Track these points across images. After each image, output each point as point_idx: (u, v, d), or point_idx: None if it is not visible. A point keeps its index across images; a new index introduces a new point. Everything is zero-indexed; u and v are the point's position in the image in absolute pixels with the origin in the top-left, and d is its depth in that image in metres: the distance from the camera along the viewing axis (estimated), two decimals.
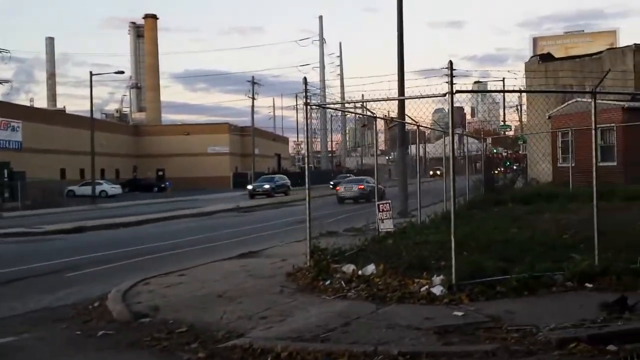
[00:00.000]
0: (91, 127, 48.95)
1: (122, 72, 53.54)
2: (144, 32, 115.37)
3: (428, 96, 8.78)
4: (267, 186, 49.40)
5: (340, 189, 34.50)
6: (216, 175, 76.96)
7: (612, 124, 25.55)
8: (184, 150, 78.81)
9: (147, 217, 29.51)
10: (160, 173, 78.55)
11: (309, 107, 10.31)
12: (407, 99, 9.54)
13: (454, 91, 8.49)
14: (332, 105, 14.64)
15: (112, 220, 27.36)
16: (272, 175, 56.32)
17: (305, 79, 10.13)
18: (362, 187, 32.37)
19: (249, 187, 51.26)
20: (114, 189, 60.33)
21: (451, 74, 8.39)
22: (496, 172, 32.12)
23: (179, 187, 69.69)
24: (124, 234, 22.94)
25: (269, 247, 15.15)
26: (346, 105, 20.97)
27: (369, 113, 12.88)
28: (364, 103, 11.96)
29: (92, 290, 10.65)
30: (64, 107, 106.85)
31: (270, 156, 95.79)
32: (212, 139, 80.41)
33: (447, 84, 8.55)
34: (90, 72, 47.96)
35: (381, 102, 11.57)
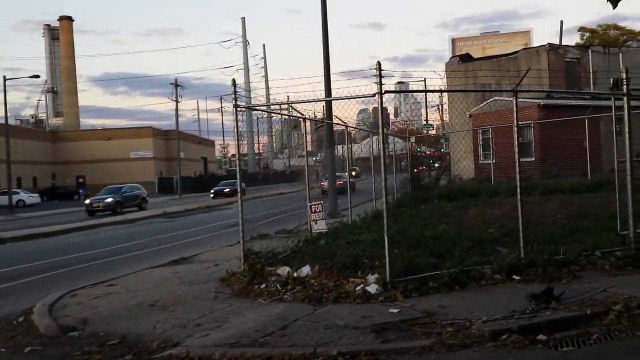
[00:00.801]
0: (6, 134, 46.80)
1: (38, 77, 51.60)
2: (59, 35, 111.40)
3: (357, 97, 8.86)
4: (109, 200, 37.60)
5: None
6: (140, 180, 74.68)
7: (530, 121, 26.61)
8: (106, 156, 76.65)
9: (69, 226, 28.47)
10: (81, 180, 76.08)
11: (237, 109, 10.18)
12: (337, 99, 9.60)
13: (383, 91, 8.60)
14: (260, 107, 14.50)
15: (32, 231, 26.27)
16: (120, 185, 42.93)
17: (234, 80, 10.01)
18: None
19: (87, 201, 39.39)
20: (32, 197, 57.94)
21: (380, 74, 8.50)
22: (421, 170, 32.79)
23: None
24: (46, 244, 22.03)
25: (201, 253, 14.90)
26: (274, 106, 20.95)
27: (297, 114, 12.85)
28: (292, 104, 11.92)
29: (15, 305, 10.15)
30: None
31: (197, 160, 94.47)
32: (135, 143, 78.57)
33: (374, 84, 8.65)
34: (4, 77, 46.07)
35: (308, 103, 11.62)
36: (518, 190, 9.73)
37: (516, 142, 9.80)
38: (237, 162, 10.58)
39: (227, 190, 51.88)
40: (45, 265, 15.33)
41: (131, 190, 40.97)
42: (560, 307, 7.38)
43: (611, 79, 10.33)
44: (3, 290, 12.12)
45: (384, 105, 8.87)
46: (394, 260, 8.82)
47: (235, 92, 9.89)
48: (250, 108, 12.72)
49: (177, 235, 21.88)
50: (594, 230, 11.40)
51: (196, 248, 16.35)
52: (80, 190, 64.11)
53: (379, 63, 8.48)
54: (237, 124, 10.14)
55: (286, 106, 16.99)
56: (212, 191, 53.93)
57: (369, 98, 9.09)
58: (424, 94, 49.84)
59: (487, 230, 12.77)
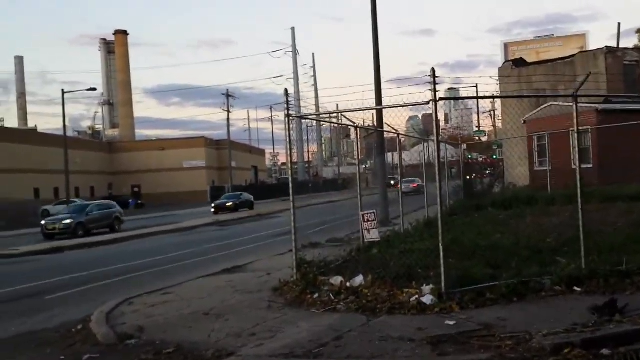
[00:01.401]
0: (64, 145, 48.33)
1: (95, 89, 53.01)
2: (115, 49, 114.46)
3: (410, 104, 8.75)
4: (68, 221, 30.51)
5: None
6: (193, 189, 76.47)
7: (587, 127, 25.85)
8: (160, 166, 78.24)
9: (125, 234, 29.13)
10: (136, 189, 77.85)
11: (289, 118, 10.20)
12: (389, 107, 9.51)
13: (437, 98, 8.47)
14: (311, 116, 14.51)
15: (90, 239, 26.94)
16: (86, 203, 37.21)
17: (286, 90, 10.05)
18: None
19: (43, 222, 32.49)
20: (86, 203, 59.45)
21: (434, 81, 8.37)
22: (474, 177, 32.28)
23: (155, 202, 69.17)
24: (103, 252, 22.59)
25: (253, 261, 14.97)
26: (324, 115, 21.08)
27: (349, 122, 12.80)
28: (343, 113, 11.87)
29: (74, 313, 10.38)
30: (36, 126, 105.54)
31: (247, 169, 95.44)
32: (188, 153, 79.96)
33: (429, 91, 8.54)
34: (62, 90, 47.56)
35: (356, 111, 11.58)
36: (579, 197, 9.42)
37: (577, 148, 9.49)
38: (290, 170, 10.59)
39: (230, 204, 46.11)
40: (101, 274, 15.67)
41: (100, 208, 34.09)
42: (625, 319, 7.07)
43: None
44: (61, 298, 12.43)
45: (432, 113, 8.74)
46: (449, 271, 8.64)
47: (287, 102, 9.92)
48: (303, 117, 12.75)
49: (229, 243, 22.08)
50: None
51: (248, 257, 16.44)
52: (131, 201, 62.77)
53: (433, 70, 8.35)
54: (289, 133, 10.16)
55: (336, 115, 16.94)
56: (212, 205, 46.96)
57: (418, 104, 8.98)
58: (475, 99, 49.07)
59: (545, 239, 12.40)
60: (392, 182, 53.44)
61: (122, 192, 75.93)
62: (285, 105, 9.99)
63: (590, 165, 27.10)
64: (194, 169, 79.53)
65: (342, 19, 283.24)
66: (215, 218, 38.55)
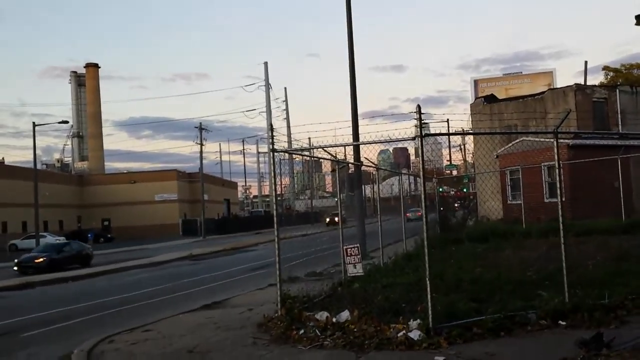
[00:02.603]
0: (34, 179, 47.50)
1: (67, 122, 52.45)
2: (86, 81, 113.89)
3: (396, 140, 8.85)
4: (41, 259, 29.67)
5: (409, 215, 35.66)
6: (165, 222, 75.60)
7: (565, 162, 26.30)
8: (131, 199, 77.33)
9: (96, 269, 28.57)
10: (106, 223, 76.71)
11: (274, 153, 10.20)
12: (374, 143, 9.57)
13: (423, 134, 8.57)
14: (297, 151, 14.53)
15: (61, 274, 26.35)
16: (60, 242, 36.24)
17: (271, 125, 10.07)
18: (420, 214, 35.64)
19: (16, 260, 31.04)
20: (58, 241, 58.32)
21: (420, 117, 8.48)
22: (449, 210, 32.55)
23: (126, 236, 68.17)
24: (75, 288, 22.09)
25: (232, 297, 14.80)
26: (306, 149, 21.09)
27: (331, 157, 12.86)
28: (326, 148, 11.92)
29: (52, 351, 10.10)
30: (2, 158, 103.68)
31: (219, 201, 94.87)
32: (160, 186, 79.27)
33: (415, 127, 8.67)
34: (34, 123, 46.85)
35: (338, 146, 11.67)
36: (561, 231, 9.55)
37: (559, 184, 9.68)
38: (274, 205, 10.54)
39: (41, 260, 30.03)
40: (78, 310, 15.33)
41: (70, 245, 33.81)
42: (612, 354, 7.13)
43: None
44: (39, 336, 12.10)
45: (404, 146, 8.86)
46: (435, 305, 8.64)
47: (272, 137, 9.93)
48: (288, 152, 12.75)
49: (205, 278, 21.78)
50: (637, 273, 11.09)
51: (226, 292, 16.26)
52: (89, 235, 60.28)
53: (418, 107, 8.47)
54: (272, 168, 10.14)
55: (315, 148, 16.91)
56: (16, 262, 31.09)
57: (404, 140, 9.06)
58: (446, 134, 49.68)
59: (526, 273, 12.49)
60: (336, 219, 54.44)
61: (92, 225, 74.72)
62: (270, 140, 10.00)
63: (562, 199, 27.51)
64: (166, 202, 78.77)
65: (316, 54, 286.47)
66: (188, 252, 38.04)
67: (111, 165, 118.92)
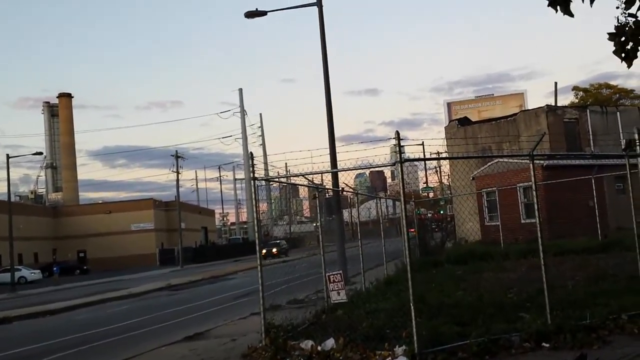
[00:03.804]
0: (9, 211, 46.81)
1: (41, 153, 52.14)
2: (59, 111, 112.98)
3: (377, 166, 8.93)
4: None
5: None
6: (141, 253, 74.79)
7: (542, 182, 26.67)
8: (107, 229, 76.50)
9: (74, 302, 28.08)
10: (82, 254, 75.69)
11: (255, 181, 10.22)
12: (353, 169, 9.66)
13: (403, 160, 8.66)
14: (276, 178, 14.55)
15: (38, 308, 25.87)
16: None
17: (251, 153, 10.11)
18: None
19: None
20: (34, 274, 57.38)
21: (399, 143, 8.58)
22: (428, 232, 32.71)
23: (103, 267, 67.31)
24: (53, 322, 21.67)
25: (215, 327, 14.64)
26: (285, 176, 21.14)
27: (312, 184, 12.92)
28: (306, 175, 11.98)
29: None
30: None
31: (197, 230, 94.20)
32: (136, 215, 78.55)
33: (392, 152, 8.75)
34: (7, 155, 46.47)
35: (305, 171, 11.75)
36: (541, 252, 9.69)
37: (536, 205, 9.82)
38: (256, 232, 10.53)
39: None
40: (56, 346, 15.02)
41: None
42: None
43: (624, 140, 10.46)
44: None
45: (381, 170, 8.95)
46: (420, 331, 8.66)
47: (252, 165, 9.96)
48: (269, 180, 12.77)
49: (185, 308, 21.52)
50: (617, 293, 11.24)
51: (208, 322, 16.05)
52: (55, 268, 57.60)
53: (397, 133, 8.58)
54: (255, 196, 10.15)
55: (295, 176, 16.86)
56: None
57: (385, 166, 9.15)
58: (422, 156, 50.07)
59: (507, 295, 12.59)
60: (274, 250, 55.59)
61: (67, 257, 73.71)
62: (251, 169, 10.01)
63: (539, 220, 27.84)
64: (142, 232, 78.01)
65: (291, 79, 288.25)
66: (166, 282, 37.60)
67: (86, 196, 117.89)
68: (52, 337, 16.70)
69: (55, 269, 57.96)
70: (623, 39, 5.45)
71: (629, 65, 5.64)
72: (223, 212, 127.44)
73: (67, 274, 64.01)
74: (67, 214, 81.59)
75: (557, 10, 5.31)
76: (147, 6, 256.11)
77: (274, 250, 57.18)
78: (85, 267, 68.43)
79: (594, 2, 5.21)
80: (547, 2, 5.35)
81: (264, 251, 52.63)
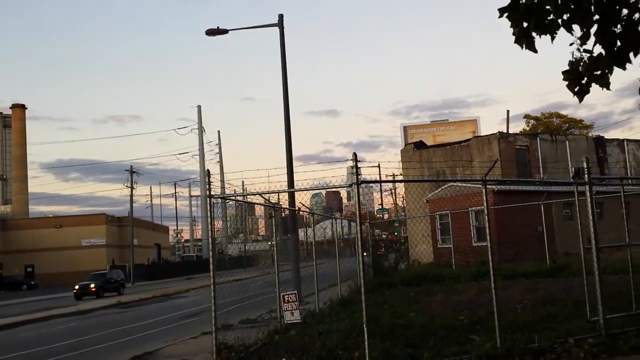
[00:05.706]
0: None
1: None
2: (11, 122, 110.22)
3: (334, 187, 9.01)
4: None
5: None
6: (92, 269, 72.77)
7: (493, 207, 27.22)
8: (56, 244, 74.53)
9: (17, 319, 27.22)
10: (29, 269, 73.47)
11: (212, 199, 10.17)
12: (311, 190, 9.73)
13: (359, 182, 8.76)
14: (233, 196, 14.47)
15: None
16: None
17: (208, 171, 10.07)
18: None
19: None
20: None
21: (356, 165, 8.68)
22: (381, 253, 32.98)
23: (52, 283, 65.51)
24: None
25: (164, 346, 14.38)
26: (246, 195, 20.98)
27: (267, 202, 12.92)
28: (263, 194, 11.98)
29: None
30: None
31: (150, 246, 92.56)
32: (87, 231, 76.79)
33: (349, 173, 8.86)
34: None
35: (263, 189, 11.80)
36: (492, 278, 9.86)
37: (488, 229, 10.03)
38: (210, 250, 10.46)
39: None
40: None
41: None
42: None
43: (572, 168, 10.80)
44: None
45: (337, 190, 9.06)
46: (374, 353, 8.70)
47: (209, 183, 9.92)
48: (226, 197, 12.71)
49: (135, 327, 21.09)
50: (564, 317, 11.53)
51: (157, 341, 15.75)
52: None
53: (355, 155, 8.68)
54: (211, 214, 10.08)
55: (251, 194, 16.74)
56: (75, 288, 41.25)
57: (341, 187, 9.25)
58: (377, 178, 50.57)
59: (458, 317, 12.77)
60: (91, 286, 38.65)
61: (14, 272, 71.47)
62: (207, 187, 9.97)
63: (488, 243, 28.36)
64: (93, 247, 76.27)
65: (251, 97, 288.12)
66: (116, 299, 36.81)
67: (36, 209, 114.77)
68: None
69: None
70: (577, 74, 5.68)
71: (581, 100, 5.87)
72: (177, 229, 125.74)
73: (13, 289, 62.13)
74: (15, 228, 79.24)
75: (522, 47, 5.53)
76: (107, 20, 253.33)
77: (92, 286, 41.94)
78: (32, 282, 66.48)
79: (554, 39, 5.45)
80: (514, 39, 5.57)
81: (76, 288, 40.20)
